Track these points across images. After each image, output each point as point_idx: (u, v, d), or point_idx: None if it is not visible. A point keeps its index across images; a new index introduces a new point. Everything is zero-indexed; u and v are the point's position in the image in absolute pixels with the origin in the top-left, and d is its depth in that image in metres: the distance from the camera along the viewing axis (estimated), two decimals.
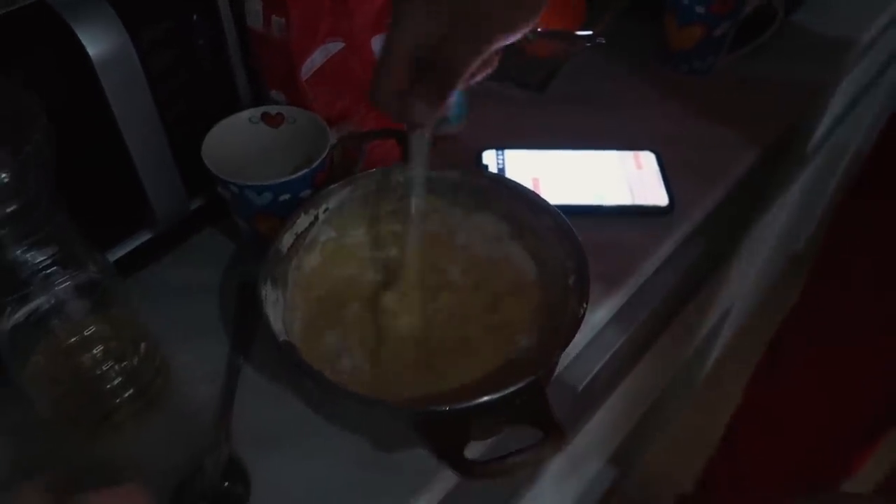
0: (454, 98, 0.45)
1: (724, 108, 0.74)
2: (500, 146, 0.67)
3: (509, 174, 0.63)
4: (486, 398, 0.39)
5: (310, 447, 0.47)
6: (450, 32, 0.37)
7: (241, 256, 0.59)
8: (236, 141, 0.54)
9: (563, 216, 0.49)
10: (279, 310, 0.45)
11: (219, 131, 0.53)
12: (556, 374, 0.53)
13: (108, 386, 0.46)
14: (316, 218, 0.50)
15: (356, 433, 0.47)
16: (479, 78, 0.41)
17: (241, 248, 0.59)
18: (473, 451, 0.42)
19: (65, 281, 0.42)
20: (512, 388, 0.39)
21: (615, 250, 0.59)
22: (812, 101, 0.80)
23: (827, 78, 0.82)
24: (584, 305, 0.44)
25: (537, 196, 0.51)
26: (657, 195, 0.63)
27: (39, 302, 0.42)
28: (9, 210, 0.34)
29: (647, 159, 0.66)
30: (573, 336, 0.42)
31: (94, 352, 0.45)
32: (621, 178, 0.64)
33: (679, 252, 0.65)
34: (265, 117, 0.55)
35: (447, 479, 0.46)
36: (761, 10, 0.76)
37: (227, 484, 0.44)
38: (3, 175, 0.32)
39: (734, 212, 0.86)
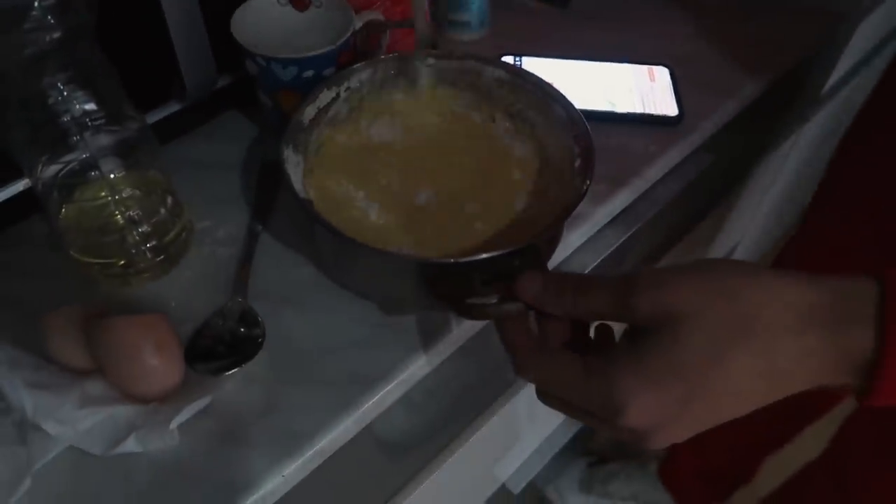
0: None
1: (742, 31, 0.75)
2: (519, 53, 0.69)
3: None
4: (486, 255, 0.42)
5: (321, 307, 0.50)
6: None
7: (264, 136, 0.61)
8: (264, 20, 0.56)
9: (573, 105, 0.51)
10: (299, 172, 0.48)
11: (248, 8, 0.55)
12: (555, 263, 0.56)
13: (135, 234, 0.49)
14: (338, 95, 0.52)
15: (364, 296, 0.50)
16: None
17: (263, 128, 0.62)
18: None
19: (103, 133, 0.45)
20: (510, 249, 0.42)
21: (622, 154, 0.61)
22: (831, 33, 0.80)
23: (849, 10, 0.82)
24: (588, 182, 0.46)
25: (549, 85, 0.53)
26: (667, 106, 0.64)
27: (78, 152, 0.45)
28: (54, 36, 0.37)
29: (661, 73, 0.68)
30: (574, 208, 0.45)
31: (124, 203, 0.48)
32: (633, 88, 0.66)
33: (686, 165, 0.67)
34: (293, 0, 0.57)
35: (450, 341, 0.49)
36: None
37: (243, 329, 0.48)
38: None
39: (745, 140, 0.88)
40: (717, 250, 1.14)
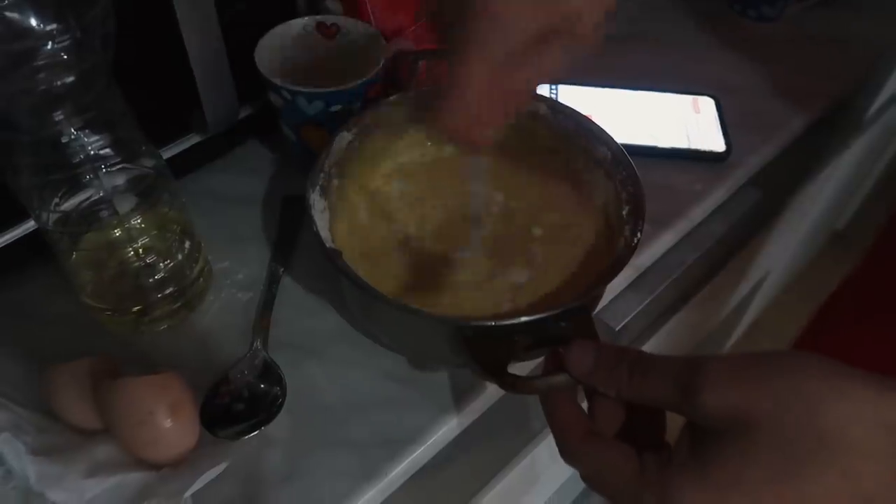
0: None
1: (788, 60, 0.71)
2: (555, 80, 0.65)
3: None
4: (528, 318, 0.38)
5: (345, 359, 0.47)
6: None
7: (286, 169, 0.58)
8: (289, 49, 0.53)
9: (618, 144, 0.48)
10: (325, 218, 0.45)
11: (272, 37, 0.52)
12: (596, 309, 0.52)
13: (151, 280, 0.46)
14: (363, 134, 0.49)
15: (392, 349, 0.47)
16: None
17: (286, 161, 0.58)
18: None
19: (117, 171, 0.42)
20: (558, 310, 0.38)
21: (666, 193, 0.58)
22: (877, 63, 0.76)
23: (893, 40, 0.78)
24: (639, 235, 0.43)
25: (593, 123, 0.49)
26: (714, 140, 0.61)
27: (90, 192, 0.42)
28: (68, 80, 0.34)
29: (706, 104, 0.64)
30: (625, 264, 0.41)
31: (140, 245, 0.45)
32: (678, 120, 0.62)
33: (732, 202, 0.63)
34: (320, 27, 0.54)
35: (480, 401, 0.46)
36: None
37: (263, 386, 0.44)
38: (67, 39, 0.32)
39: (788, 170, 0.84)
40: (750, 280, 1.09)
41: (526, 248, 0.47)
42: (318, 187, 0.45)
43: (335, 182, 0.47)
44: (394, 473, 0.42)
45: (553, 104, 0.51)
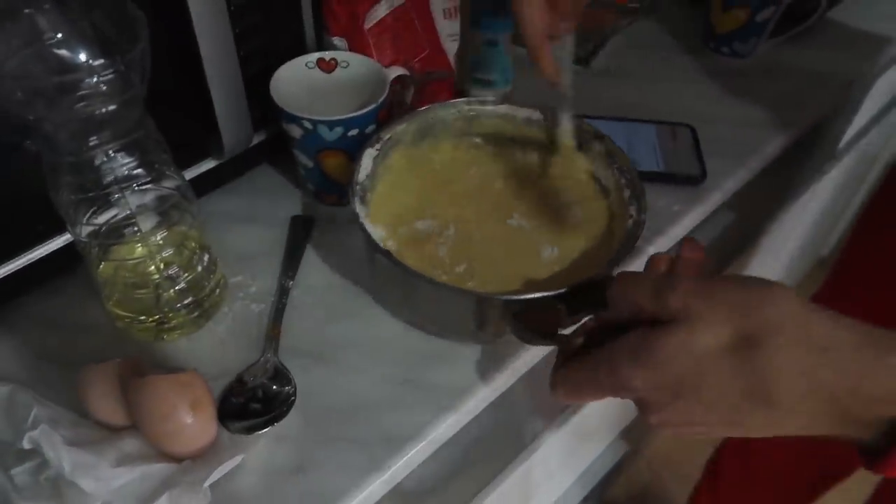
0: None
1: (761, 92, 0.76)
2: None
3: None
4: (568, 287, 0.45)
5: (350, 365, 0.51)
6: None
7: (294, 190, 0.63)
8: (297, 83, 0.58)
9: (610, 138, 0.56)
10: (368, 222, 0.49)
11: (283, 73, 0.57)
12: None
13: (171, 292, 0.50)
14: (387, 147, 0.55)
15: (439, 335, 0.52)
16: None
17: (294, 183, 0.63)
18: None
19: (144, 191, 0.46)
20: (588, 279, 0.45)
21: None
22: (845, 94, 0.82)
23: (863, 73, 0.84)
24: (644, 214, 0.50)
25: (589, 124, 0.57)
26: (690, 165, 0.65)
27: (118, 211, 0.47)
28: (109, 109, 0.38)
29: (683, 133, 0.69)
30: (638, 237, 0.49)
31: (161, 259, 0.49)
32: (656, 147, 0.67)
33: (708, 224, 0.68)
34: (319, 62, 0.59)
35: (479, 399, 0.50)
36: None
37: (275, 387, 0.48)
38: (111, 73, 0.36)
39: (764, 195, 0.89)
40: None
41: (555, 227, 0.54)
42: (357, 197, 0.50)
43: (369, 195, 0.52)
44: (397, 465, 0.46)
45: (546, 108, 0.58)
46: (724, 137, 0.70)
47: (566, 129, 0.57)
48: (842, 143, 1.05)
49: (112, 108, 0.39)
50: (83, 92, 0.39)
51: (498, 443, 0.73)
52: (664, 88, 0.77)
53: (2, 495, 0.42)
